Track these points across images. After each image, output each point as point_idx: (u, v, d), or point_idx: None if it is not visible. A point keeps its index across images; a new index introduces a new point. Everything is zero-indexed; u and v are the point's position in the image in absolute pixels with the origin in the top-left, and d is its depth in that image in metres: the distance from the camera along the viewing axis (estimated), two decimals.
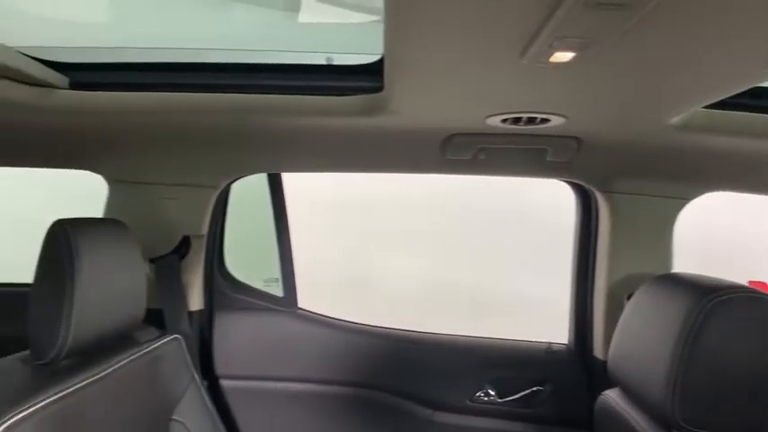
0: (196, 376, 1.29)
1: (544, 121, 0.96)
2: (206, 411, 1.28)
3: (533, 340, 1.51)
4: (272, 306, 1.51)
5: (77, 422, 0.87)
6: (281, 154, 1.32)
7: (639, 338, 0.99)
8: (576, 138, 1.09)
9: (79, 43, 1.08)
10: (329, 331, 1.50)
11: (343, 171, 1.42)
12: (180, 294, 1.37)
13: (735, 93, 0.81)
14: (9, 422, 0.76)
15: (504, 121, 0.98)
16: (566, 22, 0.50)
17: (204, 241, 1.40)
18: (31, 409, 0.79)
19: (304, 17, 1.30)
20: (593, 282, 1.39)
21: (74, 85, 1.00)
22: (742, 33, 0.57)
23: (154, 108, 1.04)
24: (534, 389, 1.44)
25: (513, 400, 1.44)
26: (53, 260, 0.90)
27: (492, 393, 1.45)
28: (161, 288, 1.32)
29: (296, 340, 1.50)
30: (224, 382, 1.46)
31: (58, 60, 1.00)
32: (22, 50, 0.94)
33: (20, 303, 1.46)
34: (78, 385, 0.89)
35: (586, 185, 1.33)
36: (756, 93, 0.92)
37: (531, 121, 0.96)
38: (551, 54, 0.57)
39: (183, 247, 1.38)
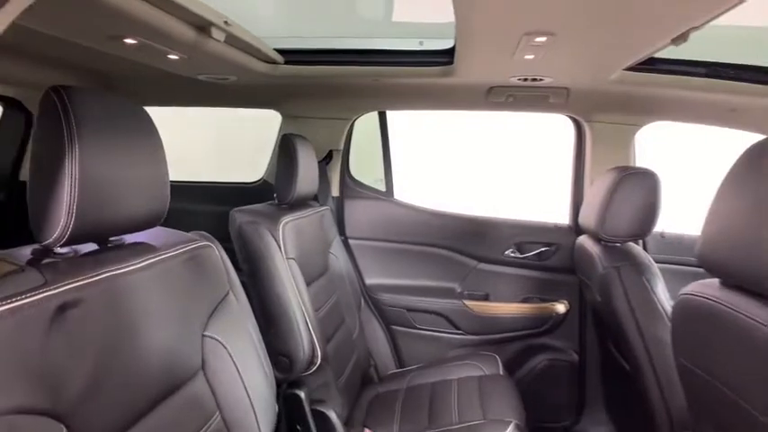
0: (337, 232, 2.23)
1: (541, 80, 1.75)
2: (344, 253, 2.22)
3: (546, 221, 2.33)
4: (378, 196, 2.42)
5: (303, 232, 1.80)
6: (389, 100, 2.18)
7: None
8: (565, 88, 1.87)
9: (286, 34, 1.95)
10: (413, 212, 2.39)
11: (425, 110, 2.26)
12: (327, 185, 2.30)
13: (652, 52, 1.36)
14: (284, 224, 1.69)
15: (519, 79, 1.78)
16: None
17: (341, 154, 2.31)
18: (285, 222, 1.73)
19: (396, 17, 2.12)
20: (583, 181, 2.19)
21: (287, 62, 1.87)
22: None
23: (327, 75, 1.90)
24: (545, 249, 2.28)
25: (530, 255, 2.29)
26: (286, 156, 1.81)
27: (516, 251, 2.31)
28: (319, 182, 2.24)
29: (393, 217, 2.40)
30: (350, 241, 2.39)
31: (279, 47, 1.86)
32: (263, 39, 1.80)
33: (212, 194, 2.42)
34: (300, 217, 1.82)
35: (578, 117, 2.10)
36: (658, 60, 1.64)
37: (534, 80, 1.76)
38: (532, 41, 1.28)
39: (328, 157, 2.29)
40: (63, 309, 0.73)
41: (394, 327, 2.36)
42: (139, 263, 0.93)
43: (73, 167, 0.76)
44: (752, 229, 0.78)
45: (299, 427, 1.62)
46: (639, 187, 1.64)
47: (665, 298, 1.51)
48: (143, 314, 0.90)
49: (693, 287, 0.94)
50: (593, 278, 1.73)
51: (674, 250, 2.12)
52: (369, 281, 2.38)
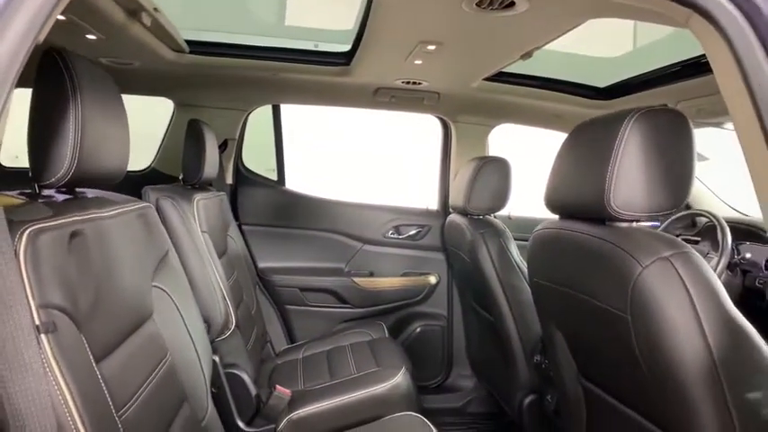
0: (232, 218, 2.35)
1: (419, 83, 2.11)
2: (240, 236, 2.35)
3: (419, 206, 2.72)
4: (270, 185, 2.58)
5: (210, 211, 1.91)
6: (284, 94, 2.38)
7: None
8: (437, 92, 2.26)
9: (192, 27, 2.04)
10: (303, 200, 2.61)
11: (316, 105, 2.50)
12: (222, 173, 2.40)
13: (506, 64, 1.85)
14: (197, 200, 1.80)
15: (403, 82, 2.12)
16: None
17: (235, 143, 2.44)
18: (198, 199, 1.83)
19: (289, 22, 2.35)
20: (449, 171, 2.62)
21: (192, 52, 1.97)
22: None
23: (229, 66, 2.04)
24: (418, 230, 2.65)
25: (406, 236, 2.65)
26: (193, 139, 1.91)
27: (395, 233, 2.65)
28: None
29: (284, 204, 2.58)
30: (244, 226, 2.52)
31: (186, 38, 1.95)
32: None
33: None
34: (206, 198, 1.93)
35: (446, 118, 2.53)
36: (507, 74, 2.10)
37: (414, 83, 2.11)
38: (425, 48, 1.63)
39: (224, 145, 2.41)
40: (74, 235, 0.85)
41: (287, 306, 2.54)
42: (111, 210, 1.04)
43: (77, 119, 0.87)
44: (573, 179, 1.18)
45: (213, 390, 1.73)
46: (496, 171, 2.09)
47: (516, 254, 1.95)
48: (119, 255, 1.02)
49: (542, 225, 1.33)
50: (463, 246, 2.13)
51: (518, 228, 2.64)
52: (262, 264, 2.53)
